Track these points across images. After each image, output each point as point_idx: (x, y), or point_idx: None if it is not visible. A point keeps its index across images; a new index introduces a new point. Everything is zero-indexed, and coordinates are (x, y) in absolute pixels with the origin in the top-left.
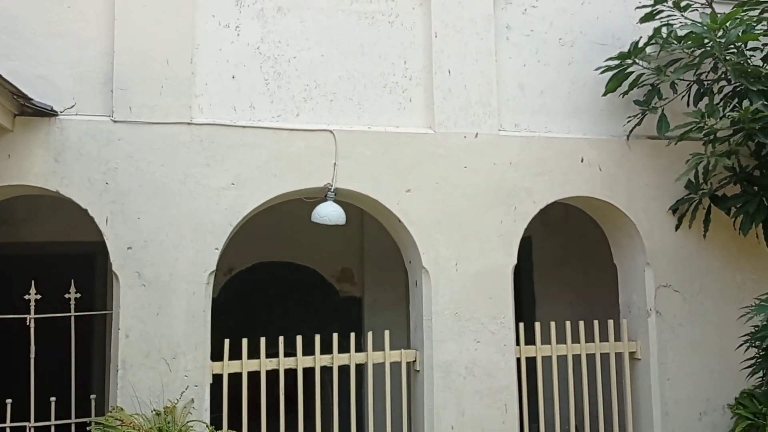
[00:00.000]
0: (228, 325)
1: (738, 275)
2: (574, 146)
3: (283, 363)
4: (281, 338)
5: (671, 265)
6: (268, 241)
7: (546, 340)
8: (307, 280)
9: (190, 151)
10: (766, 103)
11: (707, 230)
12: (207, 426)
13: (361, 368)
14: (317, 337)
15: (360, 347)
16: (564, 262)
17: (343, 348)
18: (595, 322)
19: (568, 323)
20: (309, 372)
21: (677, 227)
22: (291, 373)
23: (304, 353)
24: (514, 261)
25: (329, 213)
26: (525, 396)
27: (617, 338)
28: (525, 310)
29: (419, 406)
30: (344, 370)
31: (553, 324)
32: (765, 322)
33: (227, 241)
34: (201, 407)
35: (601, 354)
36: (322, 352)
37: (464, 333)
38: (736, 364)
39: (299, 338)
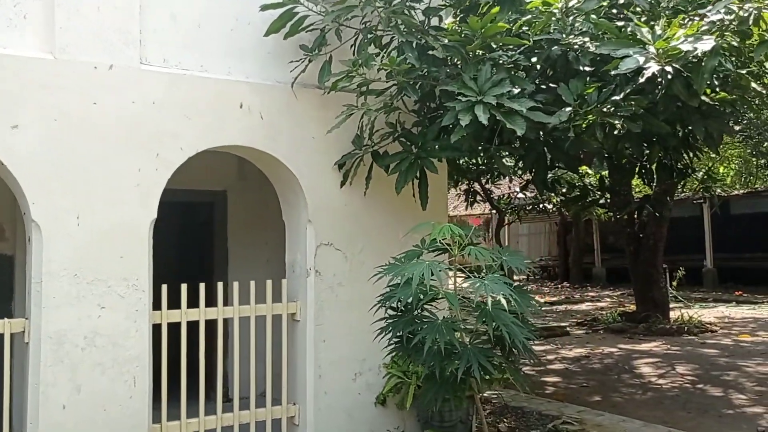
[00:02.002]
0: None
1: (401, 233)
2: (233, 89)
3: None
4: None
5: (334, 223)
6: None
7: (244, 301)
8: None
9: None
10: (415, 55)
11: (368, 187)
12: None
13: None
14: None
15: None
16: (262, 219)
17: None
18: (252, 283)
19: (220, 285)
20: None
21: (342, 184)
22: None
23: None
24: (154, 215)
25: None
26: (165, 366)
27: (278, 299)
28: (217, 269)
29: (25, 384)
30: None
31: (202, 285)
32: (398, 282)
33: None
34: None
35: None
36: None
37: (85, 297)
38: None
39: None
